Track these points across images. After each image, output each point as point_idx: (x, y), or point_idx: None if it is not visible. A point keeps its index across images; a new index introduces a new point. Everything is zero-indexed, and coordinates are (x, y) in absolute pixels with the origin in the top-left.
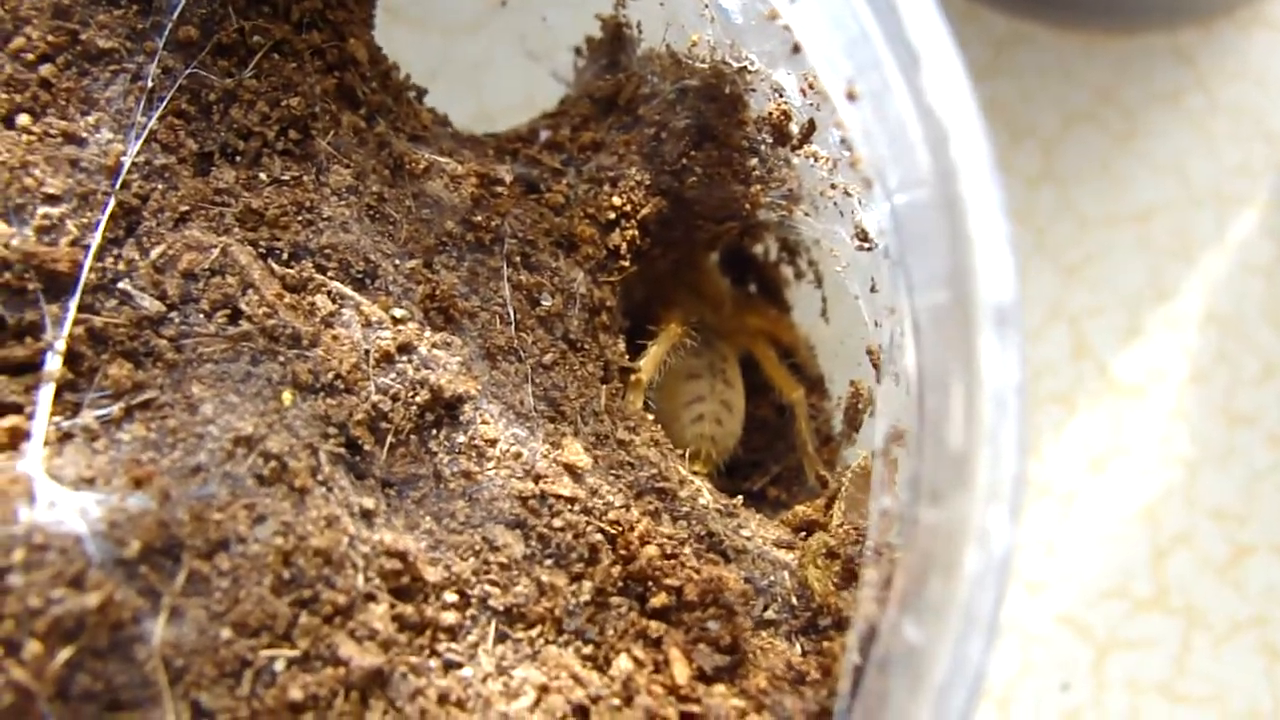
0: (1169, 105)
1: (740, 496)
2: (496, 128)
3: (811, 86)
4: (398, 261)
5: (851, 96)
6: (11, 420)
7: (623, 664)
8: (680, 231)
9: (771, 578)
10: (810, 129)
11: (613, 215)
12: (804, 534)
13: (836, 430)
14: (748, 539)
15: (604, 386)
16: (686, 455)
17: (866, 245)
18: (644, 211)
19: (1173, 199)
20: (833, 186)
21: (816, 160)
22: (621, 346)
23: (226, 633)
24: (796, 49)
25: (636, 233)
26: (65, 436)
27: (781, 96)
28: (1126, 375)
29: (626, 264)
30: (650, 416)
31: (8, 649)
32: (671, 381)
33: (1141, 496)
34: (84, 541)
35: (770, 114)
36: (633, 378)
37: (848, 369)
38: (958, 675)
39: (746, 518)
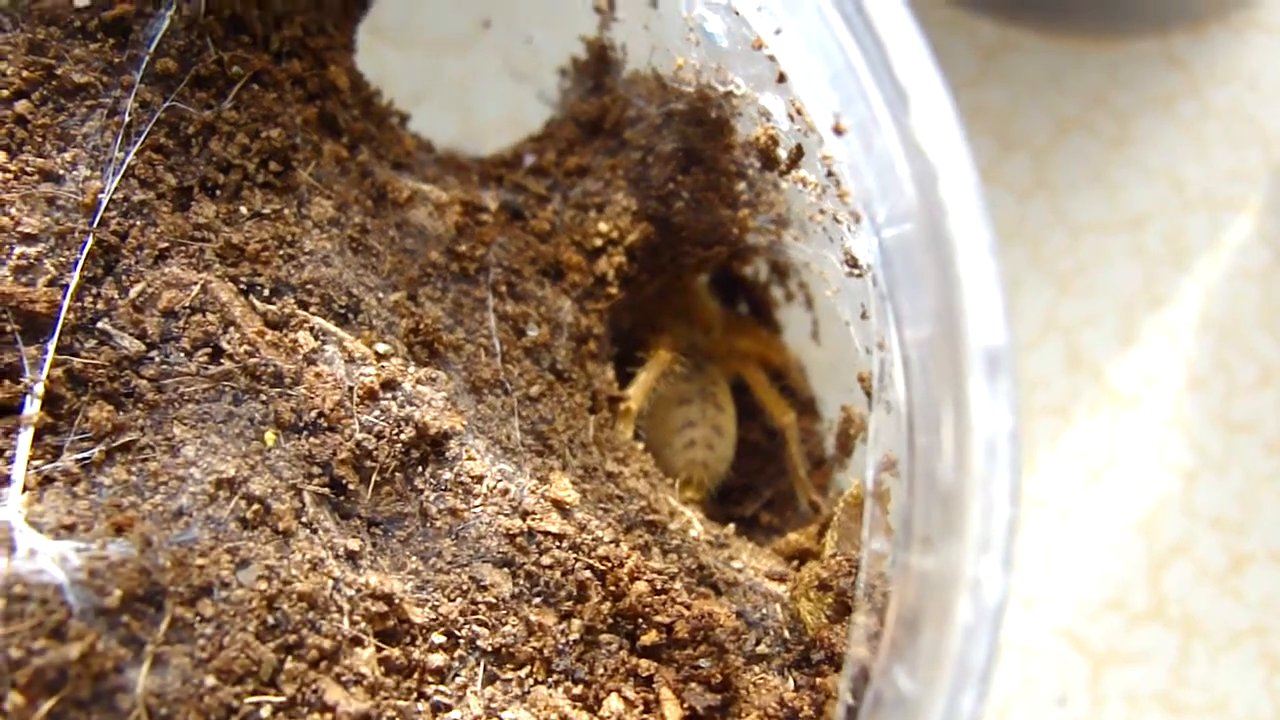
0: (1161, 111)
1: (732, 524)
2: (484, 146)
3: (799, 112)
4: (381, 295)
5: (838, 131)
6: None
7: (613, 704)
8: (668, 257)
9: (764, 610)
10: (798, 154)
11: (599, 242)
12: (797, 563)
13: (829, 454)
14: (739, 571)
15: (592, 417)
16: (678, 482)
17: (856, 271)
18: (631, 238)
19: (1166, 205)
20: (821, 212)
21: (805, 185)
22: (610, 375)
23: (211, 680)
24: (782, 78)
25: (624, 259)
26: (45, 481)
27: (769, 121)
28: (1122, 384)
29: (614, 291)
30: (640, 446)
31: None
32: (662, 408)
33: (1138, 507)
34: (64, 591)
35: (758, 138)
36: (622, 406)
37: (839, 392)
38: None
39: (738, 548)
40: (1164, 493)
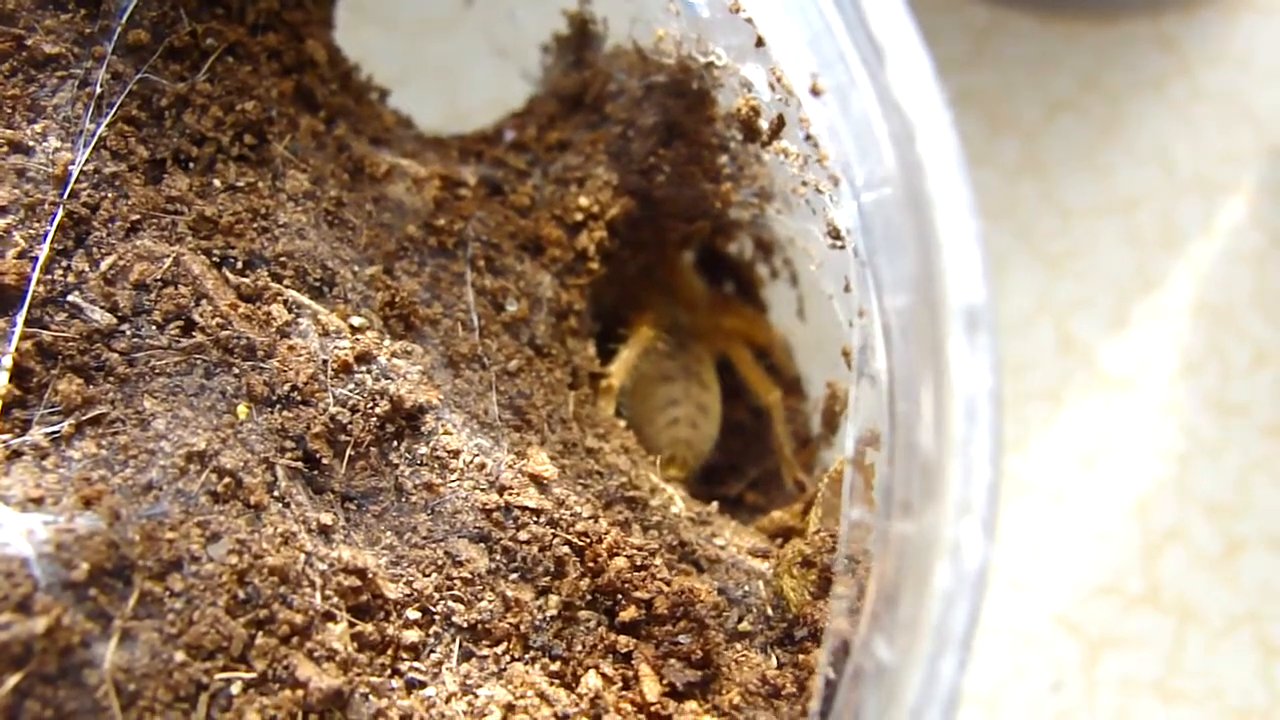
0: (1152, 92)
1: (716, 503)
2: (468, 128)
3: (779, 80)
4: (356, 268)
5: (815, 92)
6: None
7: (591, 681)
8: (650, 232)
9: (746, 588)
10: (780, 124)
11: (580, 217)
12: (780, 541)
13: (814, 433)
14: (721, 548)
15: (572, 393)
16: (660, 461)
17: (839, 243)
18: (612, 212)
19: (1158, 188)
20: (804, 184)
21: (787, 156)
22: (591, 351)
23: (180, 655)
24: (760, 43)
25: (605, 234)
26: (14, 455)
27: (750, 91)
28: (1114, 368)
29: (595, 266)
30: (622, 423)
31: None
32: (645, 385)
33: (1132, 491)
34: (30, 564)
35: (740, 110)
36: (603, 383)
37: (825, 369)
38: (930, 696)
39: (720, 526)
40: (1158, 477)
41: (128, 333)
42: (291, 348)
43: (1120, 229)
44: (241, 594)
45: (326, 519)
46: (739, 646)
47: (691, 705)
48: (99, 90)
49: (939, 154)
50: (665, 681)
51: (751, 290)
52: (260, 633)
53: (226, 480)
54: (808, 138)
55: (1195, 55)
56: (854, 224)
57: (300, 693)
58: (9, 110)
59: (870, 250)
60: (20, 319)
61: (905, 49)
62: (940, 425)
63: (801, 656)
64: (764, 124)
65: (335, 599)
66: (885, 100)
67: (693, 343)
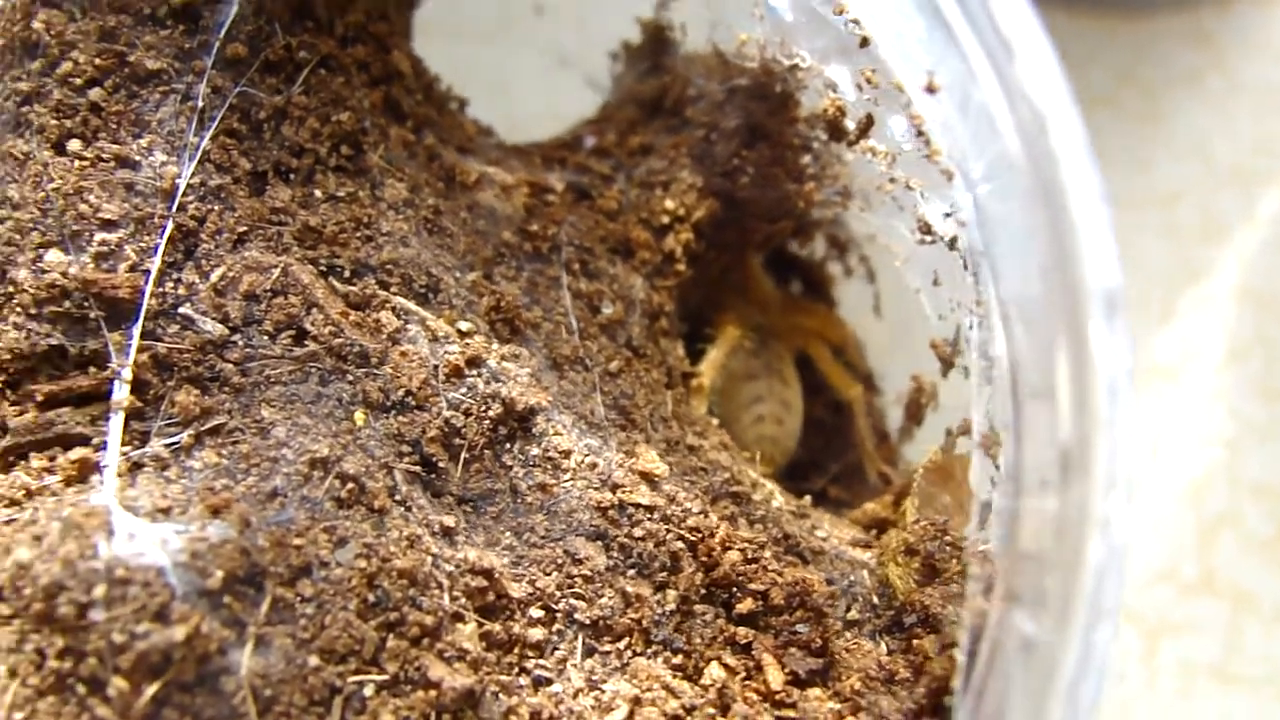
0: (1189, 86)
1: (809, 497)
2: (523, 137)
3: (869, 81)
4: (458, 274)
5: (931, 89)
6: (79, 452)
7: (714, 672)
8: (734, 233)
9: (851, 578)
10: (869, 123)
11: (666, 220)
12: (875, 532)
13: (894, 426)
14: (823, 540)
15: (669, 392)
16: (749, 458)
17: (929, 238)
18: (698, 215)
19: (1198, 180)
20: (892, 181)
21: (874, 155)
22: (681, 352)
23: (314, 660)
24: (865, 42)
25: (691, 236)
26: (135, 466)
27: (835, 92)
28: (1163, 358)
29: (683, 268)
30: (715, 421)
31: (91, 687)
32: (730, 384)
33: (1184, 478)
34: (166, 573)
35: (825, 110)
36: (694, 383)
37: (902, 364)
38: (1086, 667)
39: (819, 518)
40: (1208, 463)
41: (240, 343)
42: (403, 354)
43: (1162, 222)
44: (371, 597)
45: (449, 521)
46: (849, 635)
47: (815, 692)
48: (200, 104)
49: (1071, 144)
50: (787, 670)
51: (822, 289)
52: (391, 635)
53: (350, 486)
54: (919, 134)
55: (1231, 48)
56: (969, 215)
57: (433, 693)
58: (114, 126)
59: (988, 240)
60: (136, 331)
61: (1033, 44)
62: (1082, 405)
63: (914, 642)
64: (850, 124)
65: (463, 599)
66: (1013, 94)
67: (772, 341)
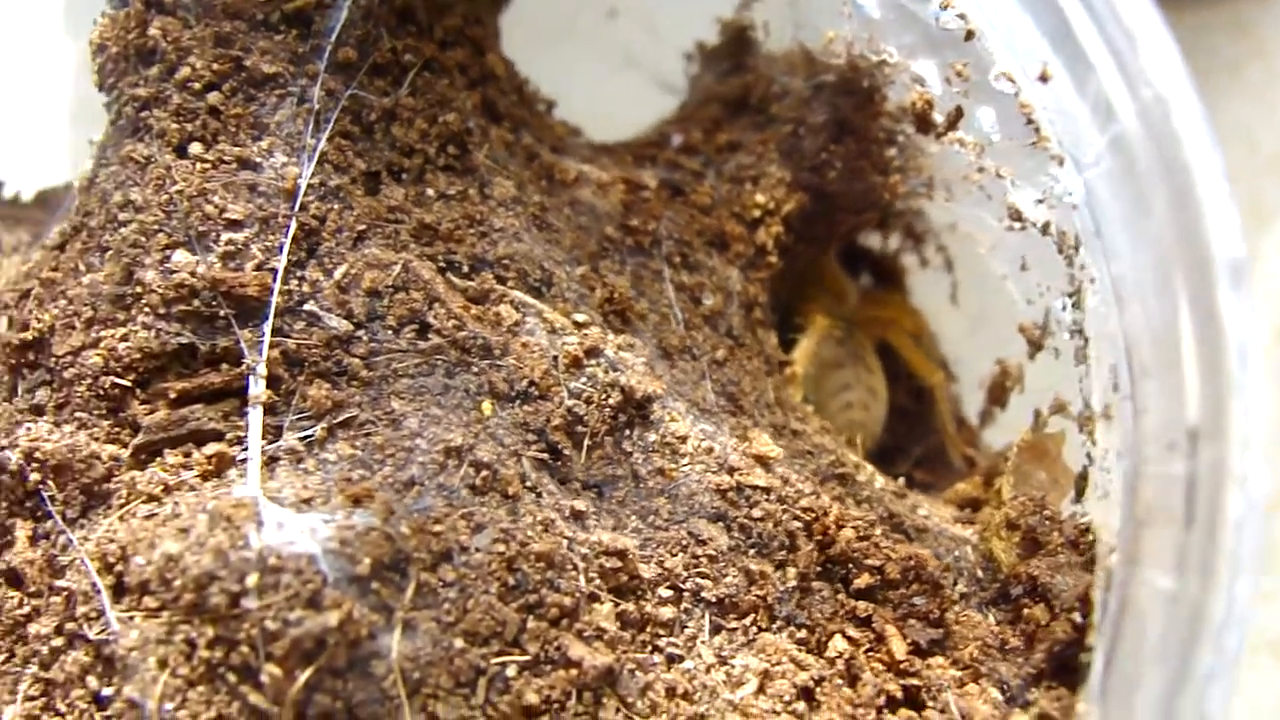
0: (1230, 76)
1: (903, 478)
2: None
3: (960, 74)
4: (568, 268)
5: (1044, 78)
6: (214, 447)
7: (838, 645)
8: (821, 226)
9: (956, 553)
10: (958, 115)
11: (757, 213)
12: (968, 510)
13: (974, 411)
14: (925, 518)
15: (769, 380)
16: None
17: (1019, 224)
18: (787, 208)
19: (1242, 168)
20: (980, 170)
21: (962, 146)
22: (774, 341)
23: (459, 642)
24: (970, 35)
25: (781, 229)
26: (271, 460)
27: (922, 86)
28: None
29: (774, 260)
30: (809, 407)
31: (243, 676)
32: (819, 372)
33: None
34: (317, 560)
35: (913, 104)
36: (788, 371)
37: (980, 351)
38: (1230, 617)
39: (917, 498)
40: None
41: (365, 338)
42: (524, 345)
43: None
44: (511, 580)
45: (580, 505)
46: (958, 608)
47: (937, 660)
48: (316, 107)
49: (1193, 125)
50: (909, 641)
51: (895, 280)
52: (531, 617)
53: (484, 473)
54: (1028, 122)
55: (1271, 39)
56: (1079, 199)
57: (574, 672)
58: (234, 129)
59: (1100, 221)
60: (268, 328)
61: (1154, 32)
62: (1214, 370)
63: (1025, 611)
64: (938, 116)
65: (598, 580)
66: (1135, 80)
67: (855, 330)
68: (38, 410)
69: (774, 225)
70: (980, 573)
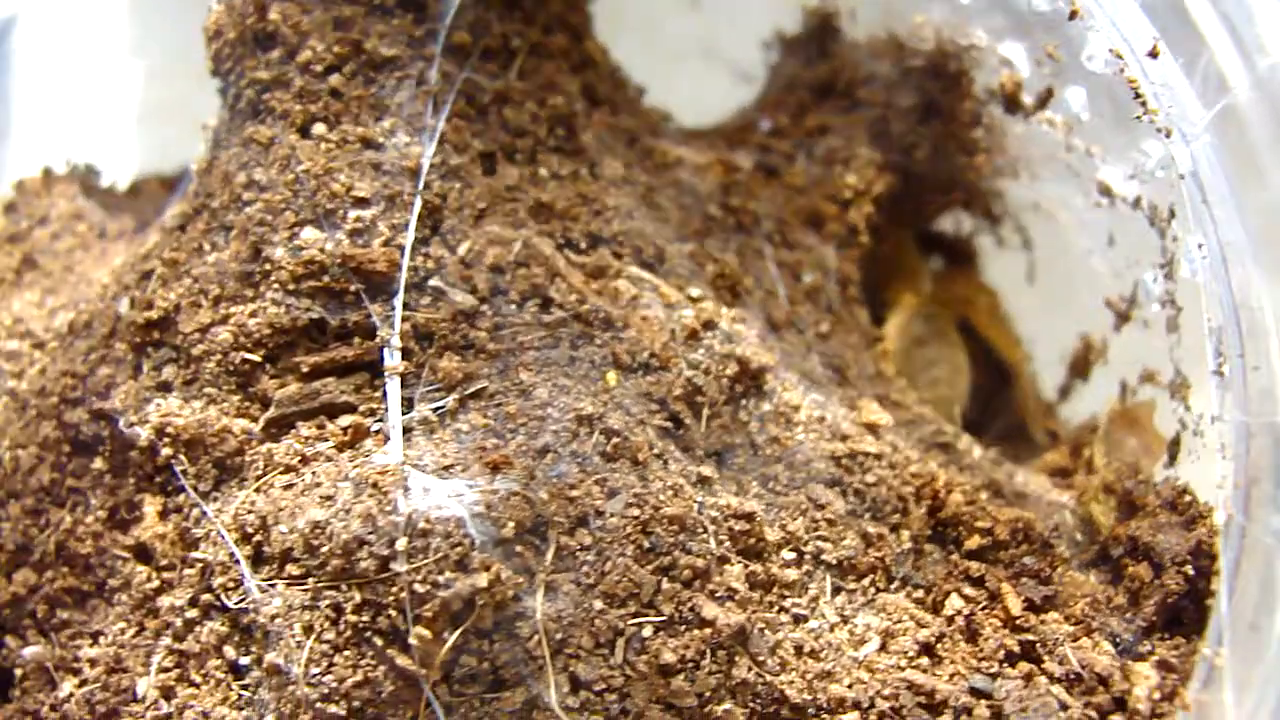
0: None
1: (994, 449)
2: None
3: (1051, 56)
4: (678, 245)
5: (1154, 54)
6: (349, 419)
7: (955, 603)
8: (910, 206)
9: (1055, 518)
10: (1048, 96)
11: (849, 194)
12: (1059, 478)
13: (1052, 386)
14: (1023, 484)
15: (869, 352)
16: None
17: (1108, 200)
18: (877, 189)
19: None
20: (1068, 149)
21: (1051, 125)
22: (867, 317)
23: (598, 604)
24: (1074, 15)
25: (872, 209)
26: (405, 431)
27: (1011, 68)
28: None
29: (865, 240)
30: (903, 381)
31: (389, 639)
32: (906, 348)
33: None
34: (466, 524)
35: (1002, 85)
36: (879, 347)
37: (1051, 329)
38: None
39: (1012, 467)
40: None
41: (489, 312)
42: (644, 318)
43: None
44: (645, 544)
45: (706, 471)
46: (1064, 567)
47: (1051, 615)
48: (434, 88)
49: None
50: (1023, 598)
51: (968, 262)
52: (665, 578)
53: (615, 440)
54: (1136, 95)
55: None
56: (1185, 168)
57: (708, 631)
58: (355, 110)
59: (1207, 190)
60: (398, 303)
61: (1268, 6)
62: None
63: (1129, 569)
64: (1026, 97)
65: (727, 543)
66: (1252, 51)
67: (938, 309)
68: (165, 387)
69: (865, 205)
70: (1079, 536)
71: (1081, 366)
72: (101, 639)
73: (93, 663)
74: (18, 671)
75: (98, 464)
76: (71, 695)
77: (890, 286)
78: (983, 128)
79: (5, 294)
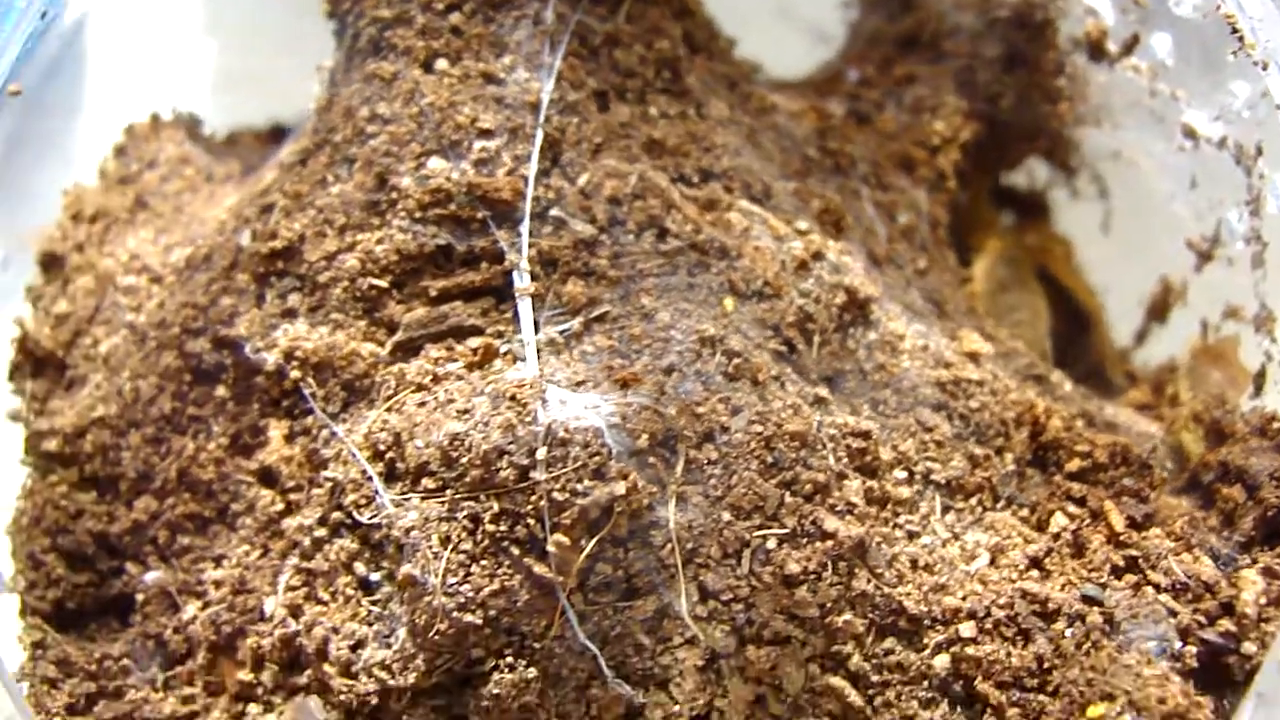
0: None
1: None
2: None
3: (1137, 3)
4: (782, 183)
5: None
6: (476, 341)
7: (1060, 520)
8: (995, 154)
9: (1144, 447)
10: (1134, 42)
11: (937, 141)
12: (1143, 413)
13: (1125, 336)
14: (1113, 415)
15: (962, 290)
16: None
17: (1192, 143)
18: (964, 135)
19: None
20: (1152, 94)
21: (1136, 72)
22: (954, 260)
23: (726, 515)
24: None
25: (959, 156)
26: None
27: (1096, 17)
28: None
29: (953, 185)
30: (992, 320)
31: (526, 548)
32: (990, 291)
33: None
34: (603, 434)
35: (1088, 33)
36: (967, 289)
37: (1124, 279)
38: None
39: (1102, 401)
40: None
41: (608, 242)
42: (756, 248)
43: None
44: (769, 458)
45: (821, 392)
46: (1159, 490)
47: (1154, 532)
48: (549, 27)
49: None
50: (1126, 516)
51: (1040, 214)
52: (788, 492)
53: (736, 361)
54: (1233, 31)
55: None
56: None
57: (829, 543)
58: (476, 47)
59: None
60: (525, 229)
61: None
62: None
63: (1224, 491)
64: (1111, 45)
65: (845, 459)
66: None
67: (1017, 255)
68: (290, 314)
69: (953, 152)
70: (1169, 465)
71: (1160, 309)
72: (225, 562)
73: (217, 584)
74: (139, 597)
75: (220, 391)
76: (195, 617)
77: (971, 236)
78: (1066, 76)
79: (120, 232)
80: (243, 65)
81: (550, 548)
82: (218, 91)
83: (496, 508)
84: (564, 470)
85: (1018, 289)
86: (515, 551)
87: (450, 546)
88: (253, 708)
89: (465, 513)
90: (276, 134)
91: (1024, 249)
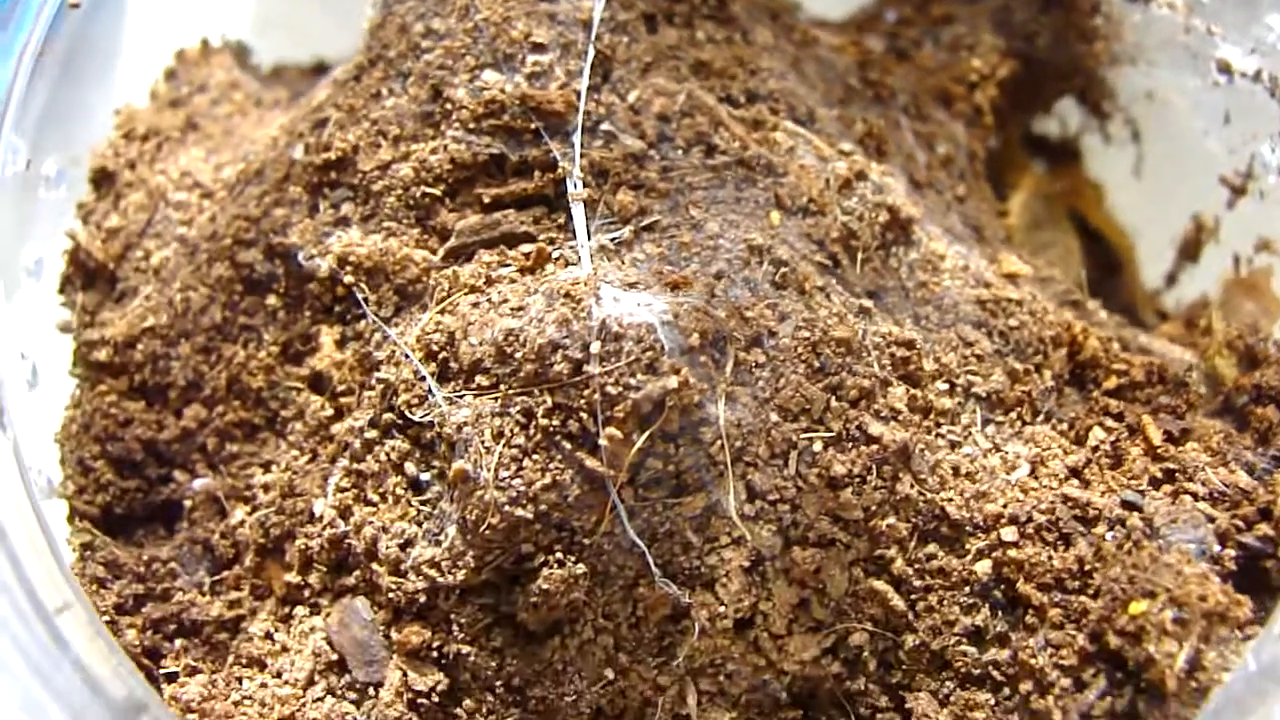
0: None
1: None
2: None
3: None
4: (824, 108)
5: None
6: (529, 247)
7: (1098, 434)
8: (1030, 92)
9: (1180, 368)
10: None
11: (975, 77)
12: (1178, 343)
13: (1154, 279)
14: (1147, 343)
15: (999, 220)
16: None
17: (1227, 77)
18: (1001, 73)
19: None
20: (1187, 31)
21: (1172, 9)
22: (991, 193)
23: (774, 416)
24: None
25: (996, 93)
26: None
27: None
28: None
29: (989, 121)
30: (1027, 252)
31: (578, 442)
32: (1023, 226)
33: None
34: (656, 330)
35: None
36: (1004, 222)
37: (1157, 223)
38: None
39: (1136, 330)
40: None
41: (656, 157)
42: (801, 166)
43: None
44: (815, 363)
45: (866, 304)
46: (1195, 407)
47: (1190, 445)
48: None
49: None
50: (1162, 430)
51: (1071, 160)
52: (833, 397)
53: (783, 270)
54: None
55: None
56: None
57: (874, 447)
58: None
59: None
60: (578, 139)
61: None
62: None
63: (1256, 413)
64: None
65: (889, 367)
66: None
67: (1053, 193)
68: (344, 222)
69: (990, 89)
70: (1203, 388)
71: (1192, 247)
72: (274, 467)
73: (266, 489)
74: (187, 503)
75: (271, 300)
76: (244, 521)
77: (1005, 177)
78: (1102, 15)
79: (171, 150)
80: (281, 10)
81: (602, 441)
82: (256, 35)
83: (550, 402)
84: (617, 364)
85: (1051, 227)
86: (567, 445)
87: (503, 441)
88: (300, 610)
89: (518, 408)
90: (320, 70)
91: (1056, 192)
